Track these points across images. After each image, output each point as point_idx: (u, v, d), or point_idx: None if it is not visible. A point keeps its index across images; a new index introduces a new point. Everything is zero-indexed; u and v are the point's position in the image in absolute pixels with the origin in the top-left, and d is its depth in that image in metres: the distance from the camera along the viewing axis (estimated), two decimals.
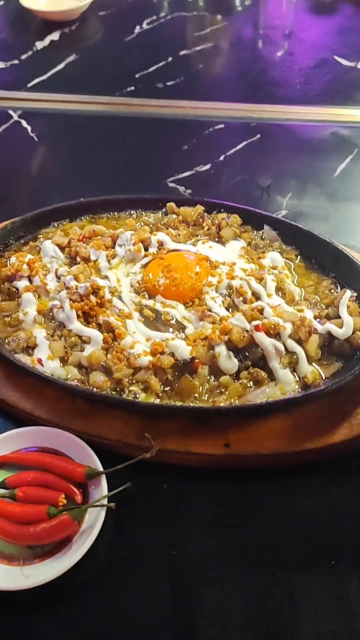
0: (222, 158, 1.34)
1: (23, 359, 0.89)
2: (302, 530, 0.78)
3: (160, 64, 1.63)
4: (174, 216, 1.09)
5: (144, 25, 1.80)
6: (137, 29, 1.78)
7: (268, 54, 1.68)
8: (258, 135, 1.40)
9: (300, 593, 0.72)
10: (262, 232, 1.07)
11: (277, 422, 0.83)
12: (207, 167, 1.32)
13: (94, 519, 0.75)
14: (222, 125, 1.43)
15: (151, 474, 0.81)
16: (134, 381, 0.86)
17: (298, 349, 0.87)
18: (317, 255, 1.02)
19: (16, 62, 1.67)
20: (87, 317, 0.93)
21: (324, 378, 0.87)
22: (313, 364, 0.88)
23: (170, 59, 1.65)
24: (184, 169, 1.31)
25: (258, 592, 0.73)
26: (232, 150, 1.36)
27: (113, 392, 0.86)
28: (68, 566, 0.72)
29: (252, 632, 0.70)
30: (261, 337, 0.86)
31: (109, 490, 0.77)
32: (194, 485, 0.82)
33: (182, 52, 1.68)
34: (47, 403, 0.86)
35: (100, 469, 0.79)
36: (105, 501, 0.76)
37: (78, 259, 1.02)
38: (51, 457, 0.81)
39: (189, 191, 1.25)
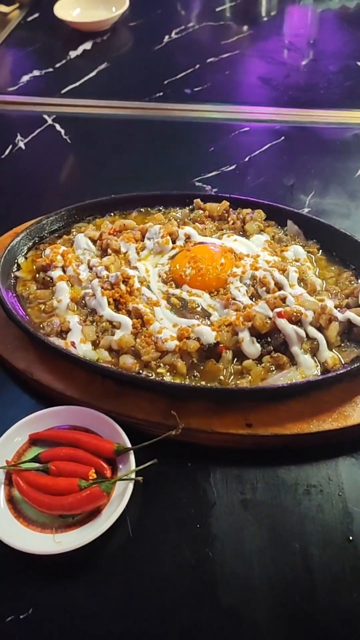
0: (247, 159, 1.38)
1: (57, 342, 0.94)
2: (320, 508, 0.80)
3: (188, 70, 1.68)
4: (201, 212, 1.14)
5: (173, 35, 1.86)
6: (166, 39, 1.84)
7: (293, 61, 1.72)
8: (282, 138, 1.44)
9: (318, 566, 0.75)
10: (286, 228, 1.11)
11: (298, 405, 0.87)
12: (233, 167, 1.36)
13: (122, 492, 0.79)
14: (247, 128, 1.47)
15: (176, 453, 0.85)
16: (161, 364, 0.91)
17: (319, 336, 0.91)
18: (338, 248, 1.05)
19: (51, 70, 1.74)
20: (117, 305, 0.98)
21: (343, 363, 0.90)
22: (333, 350, 0.91)
23: (197, 66, 1.70)
24: (211, 169, 1.35)
25: (277, 564, 0.76)
26: (257, 152, 1.40)
27: (141, 374, 0.90)
28: (97, 534, 0.76)
29: (271, 601, 0.73)
30: (283, 324, 0.90)
31: (137, 466, 0.81)
32: (218, 465, 0.85)
33: (209, 60, 1.73)
34: (78, 384, 0.91)
35: (129, 445, 0.83)
36: (133, 475, 0.80)
37: (109, 250, 1.07)
38: (82, 434, 0.86)
39: (215, 190, 1.29)
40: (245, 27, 1.91)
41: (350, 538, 0.78)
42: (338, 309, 0.94)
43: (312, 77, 1.64)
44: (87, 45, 1.82)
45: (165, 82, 1.64)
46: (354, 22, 1.88)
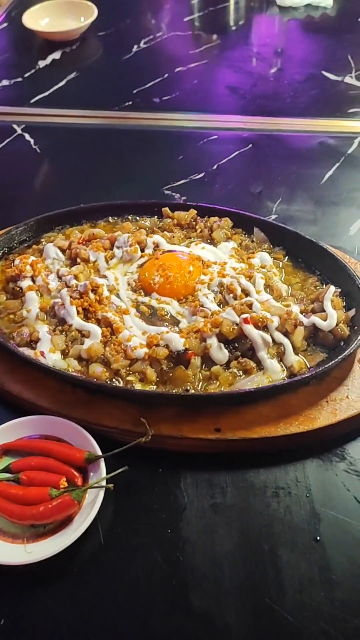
0: (215, 167, 1.40)
1: (26, 352, 0.94)
2: (288, 510, 0.82)
3: (157, 80, 1.70)
4: (169, 220, 1.15)
5: (142, 44, 1.87)
6: (135, 48, 1.85)
7: (260, 70, 1.75)
8: (250, 146, 1.46)
9: (287, 567, 0.77)
10: (252, 235, 1.13)
11: (265, 409, 0.88)
12: (201, 175, 1.38)
13: (93, 500, 0.80)
14: (215, 137, 1.49)
15: (147, 459, 0.86)
16: (131, 372, 0.92)
17: (285, 340, 0.92)
18: (304, 254, 1.08)
19: (19, 79, 1.74)
20: (86, 313, 0.98)
21: (309, 367, 0.92)
22: (299, 354, 0.93)
23: (166, 75, 1.72)
24: (179, 177, 1.37)
25: (247, 566, 0.77)
26: (225, 160, 1.42)
27: (111, 382, 0.91)
28: (68, 543, 0.76)
29: (241, 604, 0.74)
30: (250, 329, 0.91)
31: (108, 473, 0.82)
32: (188, 469, 0.86)
33: (177, 69, 1.75)
34: (49, 393, 0.91)
35: (99, 453, 0.84)
36: (103, 483, 0.81)
37: (78, 260, 1.07)
38: (53, 443, 0.86)
39: (183, 198, 1.31)
40: (214, 37, 1.93)
41: (318, 538, 0.79)
42: (304, 314, 0.96)
43: (278, 85, 1.67)
44: (56, 55, 1.83)
45: (135, 91, 1.66)
46: (319, 31, 1.92)
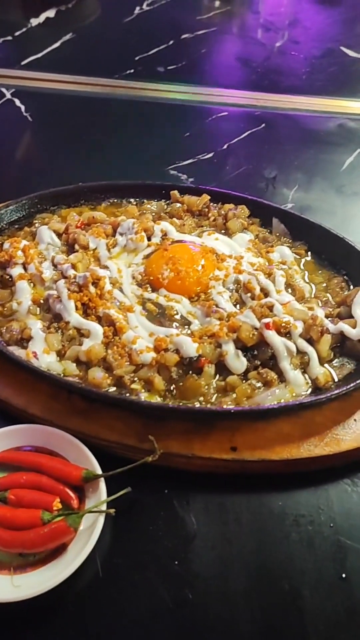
0: (225, 147, 1.31)
1: (16, 351, 0.84)
2: (310, 542, 0.74)
3: (161, 47, 1.60)
4: (178, 205, 1.05)
5: (144, 7, 1.76)
6: (137, 10, 1.74)
7: (273, 42, 1.65)
8: (263, 125, 1.37)
9: (310, 609, 0.68)
10: (270, 226, 1.03)
11: (287, 426, 0.80)
12: (210, 155, 1.29)
13: (91, 525, 0.72)
14: (225, 113, 1.40)
15: (152, 478, 0.78)
16: (136, 379, 0.82)
17: (309, 349, 0.83)
18: (328, 250, 0.99)
19: (9, 38, 1.62)
20: (85, 309, 0.88)
21: (335, 380, 0.83)
22: (324, 365, 0.84)
23: (171, 42, 1.62)
24: (186, 156, 1.27)
25: (265, 607, 0.69)
26: (236, 140, 1.33)
27: (112, 390, 0.81)
28: (63, 577, 0.68)
29: None
30: (272, 336, 0.82)
31: (107, 493, 0.73)
32: (198, 492, 0.78)
33: (183, 36, 1.64)
34: (41, 400, 0.82)
35: (99, 471, 0.75)
36: (104, 507, 0.72)
37: (76, 246, 0.97)
38: (46, 457, 0.77)
39: (191, 179, 1.22)
40: (219, 3, 1.81)
41: (344, 575, 0.71)
42: (329, 319, 0.87)
43: (293, 60, 1.58)
44: (50, 13, 1.71)
45: (137, 58, 1.56)
46: (337, 2, 1.80)
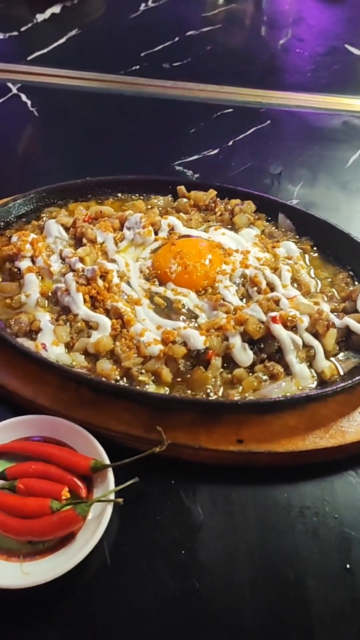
0: (230, 143, 1.31)
1: (26, 343, 0.85)
2: (315, 533, 0.74)
3: (167, 43, 1.59)
4: (185, 200, 1.05)
5: (150, 3, 1.75)
6: (143, 6, 1.74)
7: (278, 39, 1.65)
8: (268, 122, 1.37)
9: (315, 599, 0.69)
10: (276, 221, 1.04)
11: (292, 419, 0.80)
12: (215, 151, 1.29)
13: (99, 515, 0.72)
14: (230, 110, 1.40)
15: (159, 469, 0.78)
16: (144, 371, 0.82)
17: (315, 343, 0.84)
18: (333, 246, 0.99)
19: (15, 33, 1.61)
20: (93, 302, 0.89)
21: (341, 374, 0.84)
22: (330, 358, 0.85)
23: (177, 38, 1.61)
24: (191, 152, 1.27)
25: (271, 597, 0.69)
26: (241, 136, 1.33)
27: (120, 382, 0.82)
28: (71, 565, 0.68)
29: (264, 638, 0.66)
30: (278, 330, 0.83)
31: (115, 483, 0.73)
32: (205, 483, 0.78)
33: (189, 33, 1.64)
34: (50, 391, 0.82)
35: (107, 461, 0.75)
36: (112, 496, 0.73)
37: (84, 240, 0.98)
38: (54, 447, 0.78)
39: (196, 175, 1.22)
40: (225, 0, 1.81)
41: (348, 566, 0.72)
42: (334, 313, 0.87)
43: (298, 57, 1.57)
44: (56, 9, 1.71)
45: (142, 54, 1.55)
46: (339, 1, 1.80)
